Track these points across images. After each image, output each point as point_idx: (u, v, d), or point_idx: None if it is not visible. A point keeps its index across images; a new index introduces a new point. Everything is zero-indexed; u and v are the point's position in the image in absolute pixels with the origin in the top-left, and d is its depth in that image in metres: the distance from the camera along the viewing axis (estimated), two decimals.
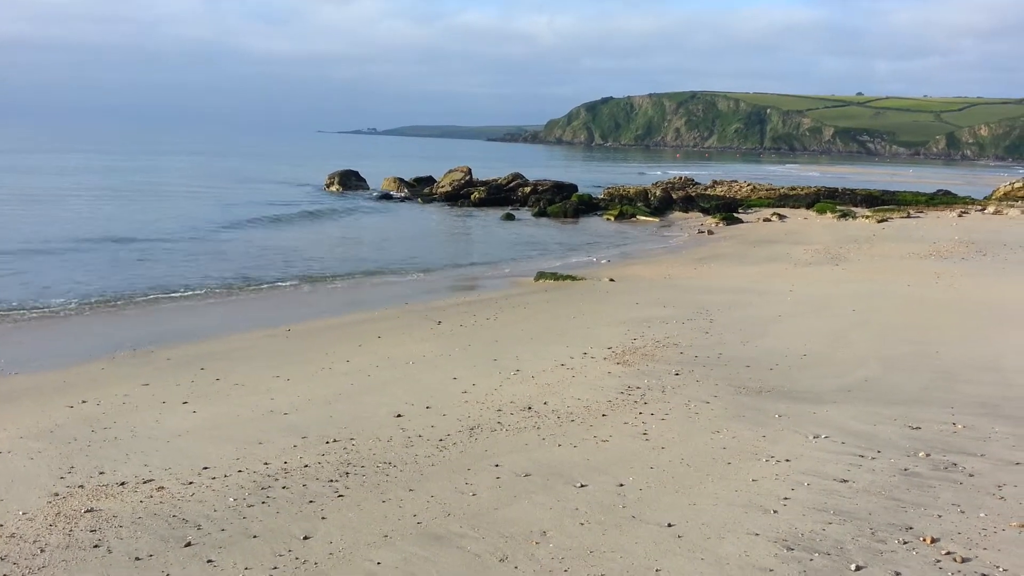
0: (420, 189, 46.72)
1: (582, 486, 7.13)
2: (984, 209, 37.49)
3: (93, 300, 16.92)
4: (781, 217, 35.56)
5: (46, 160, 69.54)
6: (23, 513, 6.59)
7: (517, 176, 46.28)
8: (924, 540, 6.02)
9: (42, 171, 55.83)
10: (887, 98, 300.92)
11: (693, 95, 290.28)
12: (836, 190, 43.37)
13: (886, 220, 33.42)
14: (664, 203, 39.95)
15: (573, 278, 20.02)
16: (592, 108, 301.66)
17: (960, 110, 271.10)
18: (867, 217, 34.10)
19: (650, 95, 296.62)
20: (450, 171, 47.60)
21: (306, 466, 7.63)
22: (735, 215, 35.60)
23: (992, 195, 45.34)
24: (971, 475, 7.29)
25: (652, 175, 67.71)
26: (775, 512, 6.54)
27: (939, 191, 48.33)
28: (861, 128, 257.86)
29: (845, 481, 7.17)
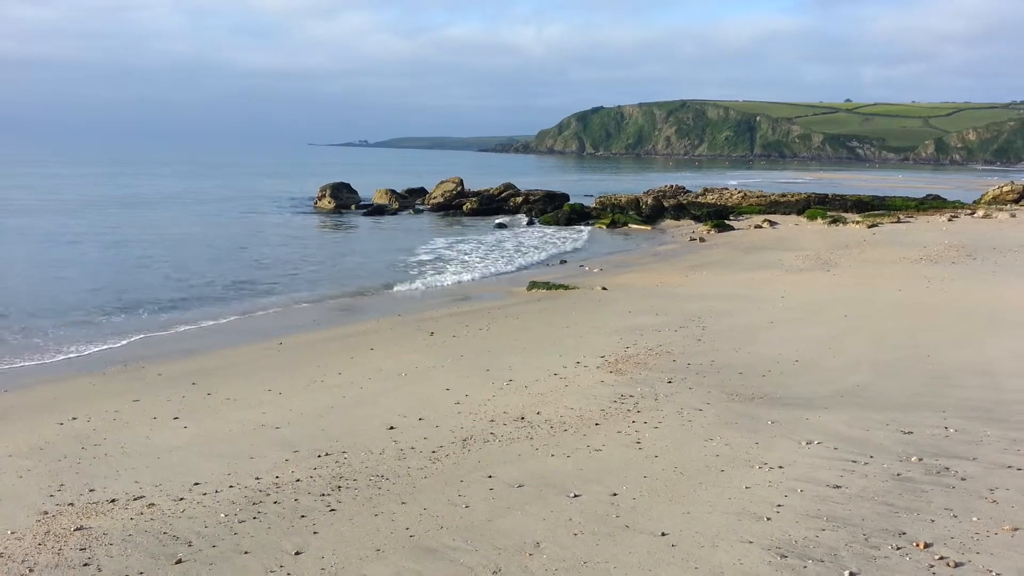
0: (412, 200, 46.73)
1: (575, 496, 7.11)
2: (973, 213, 37.69)
3: (79, 317, 16.84)
4: (772, 224, 35.68)
5: (38, 180, 69.29)
6: (11, 532, 6.53)
7: (509, 186, 46.36)
8: (917, 545, 6.02)
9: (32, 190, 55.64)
10: (875, 104, 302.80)
11: (683, 104, 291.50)
12: (826, 196, 43.56)
13: (876, 225, 33.56)
14: (655, 211, 40.07)
15: (565, 287, 20.03)
16: (583, 118, 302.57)
17: (948, 115, 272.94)
18: (857, 223, 34.23)
19: (640, 104, 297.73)
20: (442, 182, 47.65)
21: (298, 480, 7.59)
22: (726, 222, 35.71)
23: (981, 199, 45.61)
24: (963, 479, 7.30)
25: (646, 184, 67.80)
26: (768, 519, 6.53)
27: (929, 196, 48.59)
28: (850, 134, 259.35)
29: (838, 487, 7.17)
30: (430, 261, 26.13)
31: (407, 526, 6.56)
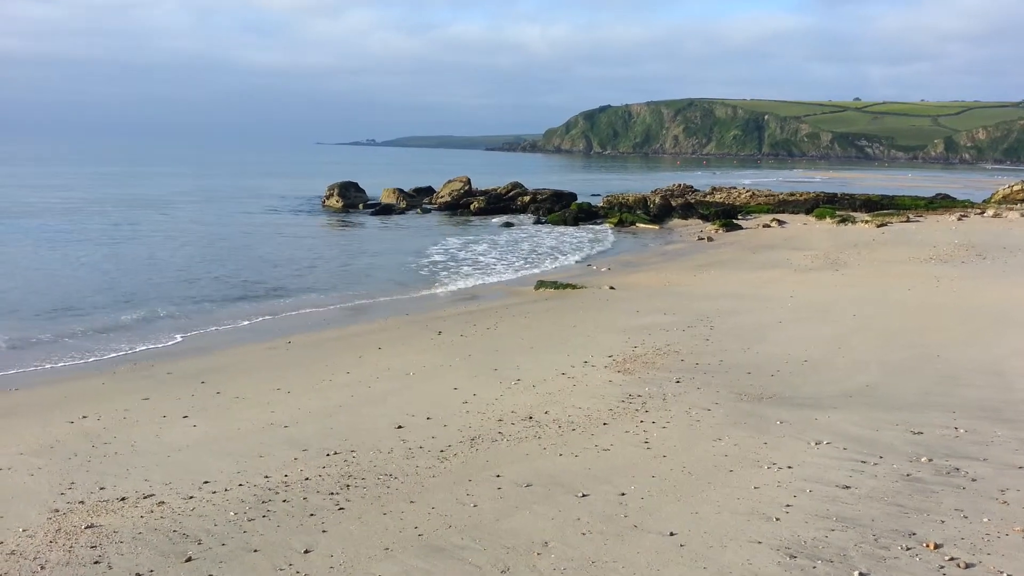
0: (420, 200, 46.76)
1: (584, 496, 7.11)
2: (983, 212, 37.48)
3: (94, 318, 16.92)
4: (780, 223, 35.58)
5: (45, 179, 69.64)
6: (23, 530, 6.57)
7: (516, 185, 46.34)
8: (927, 546, 6.00)
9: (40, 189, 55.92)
10: (884, 103, 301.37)
11: (691, 102, 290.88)
12: (835, 195, 43.39)
13: (885, 225, 33.41)
14: (663, 210, 39.99)
15: (573, 286, 20.02)
16: (590, 117, 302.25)
17: (957, 114, 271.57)
18: (866, 222, 34.09)
19: (648, 103, 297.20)
20: (449, 181, 47.68)
21: (307, 479, 7.62)
22: (734, 221, 35.61)
23: (991, 198, 45.36)
24: (974, 480, 7.27)
25: (654, 183, 67.63)
26: (777, 520, 6.52)
27: (938, 195, 48.34)
28: (859, 133, 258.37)
29: (847, 487, 7.14)
30: (443, 262, 25.92)
31: (416, 525, 6.57)
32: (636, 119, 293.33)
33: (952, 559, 5.79)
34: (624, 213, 38.89)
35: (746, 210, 40.51)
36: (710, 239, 31.54)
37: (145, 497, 7.24)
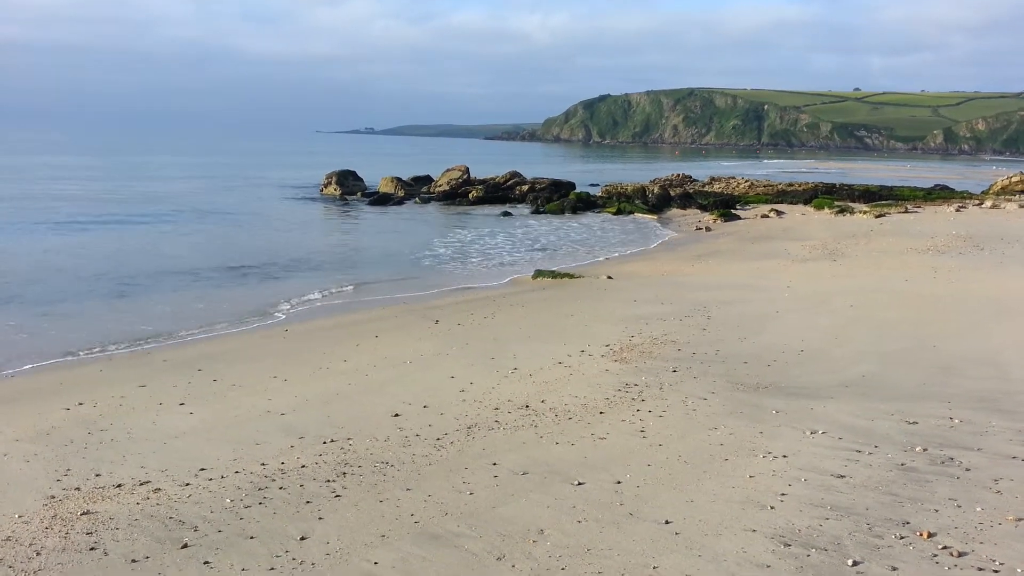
0: (418, 188, 46.63)
1: (580, 484, 7.12)
2: (982, 203, 37.48)
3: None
4: (779, 213, 35.56)
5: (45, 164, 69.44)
6: (19, 516, 6.58)
7: (515, 174, 46.23)
8: (921, 535, 6.02)
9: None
10: (884, 93, 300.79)
11: (691, 92, 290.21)
12: (834, 186, 43.41)
13: (884, 215, 33.40)
14: (662, 200, 39.94)
15: (571, 276, 20.02)
16: (589, 106, 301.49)
17: (957, 105, 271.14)
18: (865, 213, 34.08)
19: (647, 92, 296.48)
20: (448, 170, 47.53)
21: (303, 466, 7.63)
22: (733, 211, 35.59)
23: (990, 189, 45.37)
24: (968, 469, 7.29)
25: (653, 173, 67.46)
26: (772, 508, 6.54)
27: (936, 186, 48.38)
28: (858, 123, 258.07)
29: (842, 476, 7.17)
30: (442, 253, 25.73)
31: (412, 512, 6.58)
32: (635, 108, 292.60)
33: (945, 548, 5.82)
34: (623, 203, 38.85)
35: (745, 200, 40.47)
36: (708, 229, 31.52)
37: (141, 484, 7.24)
